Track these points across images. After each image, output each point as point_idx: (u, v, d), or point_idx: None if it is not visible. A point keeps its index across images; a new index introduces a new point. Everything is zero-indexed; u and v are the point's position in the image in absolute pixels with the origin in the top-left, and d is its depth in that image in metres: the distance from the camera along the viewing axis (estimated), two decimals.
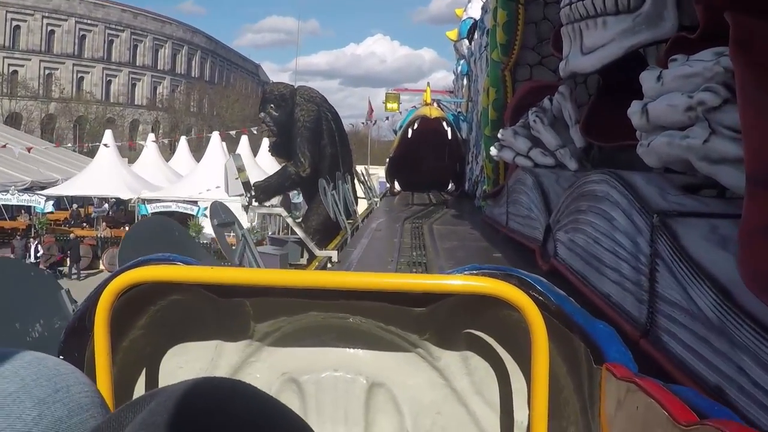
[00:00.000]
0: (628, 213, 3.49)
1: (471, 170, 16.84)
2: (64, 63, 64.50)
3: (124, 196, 23.40)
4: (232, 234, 7.48)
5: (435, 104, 19.09)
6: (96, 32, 66.84)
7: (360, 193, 13.99)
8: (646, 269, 3.25)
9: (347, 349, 1.68)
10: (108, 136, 25.14)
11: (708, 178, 3.26)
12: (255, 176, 11.69)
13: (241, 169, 8.51)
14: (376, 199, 15.47)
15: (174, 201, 21.23)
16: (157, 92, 71.13)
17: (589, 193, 4.14)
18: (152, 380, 1.68)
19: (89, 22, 66.18)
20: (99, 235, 22.22)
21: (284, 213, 9.12)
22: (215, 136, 23.46)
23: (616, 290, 3.65)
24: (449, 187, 20.43)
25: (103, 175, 23.78)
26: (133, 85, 69.90)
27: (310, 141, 11.03)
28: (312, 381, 1.67)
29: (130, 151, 36.03)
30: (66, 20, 64.57)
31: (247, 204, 9.11)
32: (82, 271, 20.98)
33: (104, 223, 23.24)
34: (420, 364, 1.66)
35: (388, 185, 20.52)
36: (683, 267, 2.73)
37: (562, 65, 5.85)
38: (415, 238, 9.00)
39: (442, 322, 1.60)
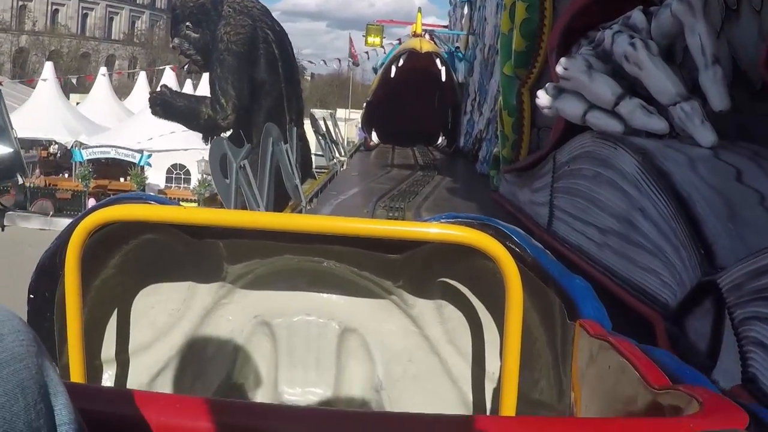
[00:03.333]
0: None
1: (471, 122, 13.45)
2: None
3: (62, 140, 19.96)
4: None
5: (427, 36, 15.35)
6: None
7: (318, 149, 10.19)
8: None
9: (320, 294, 1.64)
10: (48, 69, 21.49)
11: None
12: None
13: None
14: (342, 159, 11.53)
15: (114, 147, 17.74)
16: (136, 27, 66.87)
17: None
18: (124, 320, 1.66)
19: None
20: (29, 184, 18.81)
21: None
22: (168, 71, 19.82)
23: None
24: (439, 141, 17.04)
25: (41, 115, 20.47)
26: (111, 19, 65.77)
27: (237, 73, 7.06)
28: (284, 325, 1.64)
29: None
30: None
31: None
32: None
33: (38, 170, 19.83)
34: (393, 311, 1.63)
35: (365, 135, 17.00)
36: None
37: None
38: None
39: (417, 269, 1.56)
